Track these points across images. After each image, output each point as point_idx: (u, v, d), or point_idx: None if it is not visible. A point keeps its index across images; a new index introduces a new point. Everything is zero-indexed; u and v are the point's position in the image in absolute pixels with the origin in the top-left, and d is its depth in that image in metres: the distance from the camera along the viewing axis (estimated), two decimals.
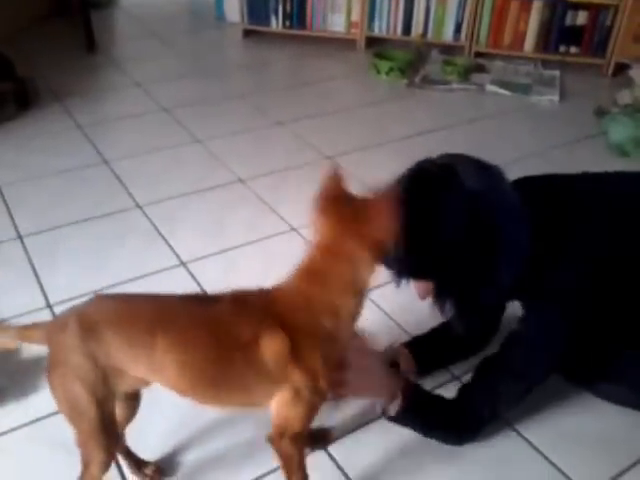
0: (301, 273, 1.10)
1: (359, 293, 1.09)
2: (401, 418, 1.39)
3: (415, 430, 1.43)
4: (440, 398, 1.43)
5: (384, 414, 1.40)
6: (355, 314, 1.11)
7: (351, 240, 1.05)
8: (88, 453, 1.15)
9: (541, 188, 1.41)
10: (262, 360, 1.06)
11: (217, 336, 1.08)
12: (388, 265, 1.26)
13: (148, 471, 1.37)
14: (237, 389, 1.12)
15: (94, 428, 1.12)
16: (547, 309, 1.34)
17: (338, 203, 1.08)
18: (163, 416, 1.51)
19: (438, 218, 1.21)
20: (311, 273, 1.09)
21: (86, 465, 1.16)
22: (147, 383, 1.18)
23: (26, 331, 1.17)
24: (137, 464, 1.37)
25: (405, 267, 1.28)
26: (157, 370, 1.11)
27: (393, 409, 1.36)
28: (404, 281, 1.31)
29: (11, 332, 1.18)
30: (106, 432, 1.14)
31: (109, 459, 1.17)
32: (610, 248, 1.33)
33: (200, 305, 1.14)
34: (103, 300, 1.19)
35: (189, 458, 1.44)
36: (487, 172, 1.28)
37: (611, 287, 1.32)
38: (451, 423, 1.42)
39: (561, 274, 1.32)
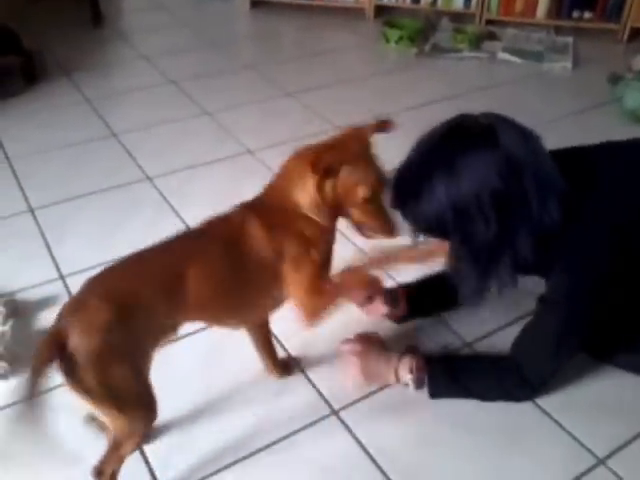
0: (265, 188, 1.31)
1: (308, 196, 1.23)
2: (438, 392, 1.45)
3: (465, 397, 1.46)
4: (475, 358, 1.47)
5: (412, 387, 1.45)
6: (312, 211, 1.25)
7: (305, 160, 1.21)
8: (128, 434, 1.15)
9: (566, 160, 1.34)
10: (257, 250, 1.22)
11: (223, 252, 1.21)
12: (405, 217, 1.27)
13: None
14: (255, 288, 1.26)
15: (140, 406, 1.13)
16: (577, 270, 1.31)
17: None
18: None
19: (465, 173, 1.18)
20: (273, 185, 1.30)
21: (117, 446, 1.16)
22: (176, 330, 1.22)
23: (39, 360, 1.05)
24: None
25: (421, 218, 1.26)
26: (191, 302, 1.17)
27: (413, 385, 1.43)
28: (420, 236, 1.31)
29: (33, 378, 1.04)
30: (152, 406, 1.16)
31: (148, 432, 1.19)
32: (631, 215, 1.30)
33: (198, 235, 1.27)
34: (103, 274, 1.16)
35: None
36: (527, 139, 1.24)
37: (634, 257, 1.29)
38: (499, 382, 1.43)
39: (588, 239, 1.29)
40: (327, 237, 1.31)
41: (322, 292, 1.27)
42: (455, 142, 1.22)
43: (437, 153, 1.24)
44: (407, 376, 1.45)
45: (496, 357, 1.49)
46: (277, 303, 1.34)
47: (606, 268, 1.30)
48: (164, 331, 1.18)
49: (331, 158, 1.19)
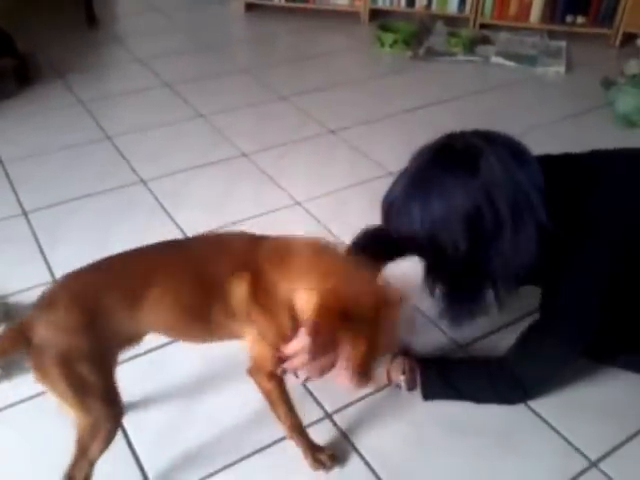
0: (280, 256, 1.16)
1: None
2: (431, 394, 1.45)
3: (458, 399, 1.46)
4: (468, 362, 1.46)
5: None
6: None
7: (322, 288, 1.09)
8: (93, 434, 1.13)
9: (558, 168, 1.34)
10: (230, 299, 1.15)
11: (198, 276, 1.15)
12: (392, 234, 1.25)
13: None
14: (217, 324, 1.19)
15: (105, 405, 1.13)
16: (580, 274, 1.30)
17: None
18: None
19: (440, 199, 1.19)
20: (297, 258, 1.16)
21: (84, 450, 1.14)
22: (141, 337, 1.21)
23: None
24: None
25: (402, 237, 1.28)
26: (152, 317, 1.15)
27: (405, 387, 1.43)
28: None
29: None
30: (117, 406, 1.16)
31: (115, 435, 1.17)
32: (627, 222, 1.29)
33: (181, 249, 1.23)
34: (78, 274, 1.16)
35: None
36: (511, 164, 1.21)
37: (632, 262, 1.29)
38: (494, 384, 1.42)
39: (588, 247, 1.29)
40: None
41: (270, 375, 1.24)
42: (436, 166, 1.23)
43: (419, 175, 1.24)
44: (399, 377, 1.45)
45: (490, 361, 1.49)
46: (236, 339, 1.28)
47: (606, 277, 1.29)
48: (128, 338, 1.18)
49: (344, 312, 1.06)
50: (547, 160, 1.33)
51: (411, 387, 1.46)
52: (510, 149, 1.24)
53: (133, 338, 1.20)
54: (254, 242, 1.21)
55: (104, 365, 1.13)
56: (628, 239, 1.28)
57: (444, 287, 1.33)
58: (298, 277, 1.13)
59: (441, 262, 1.25)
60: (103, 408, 1.13)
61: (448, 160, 1.23)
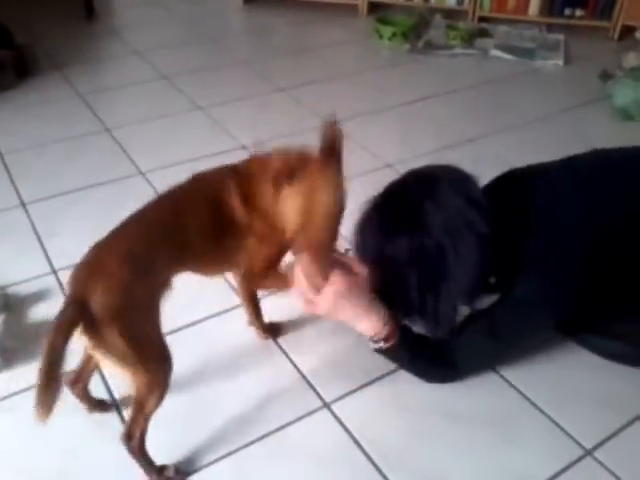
0: (258, 163, 1.34)
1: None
2: (386, 353, 1.46)
3: (399, 364, 1.51)
4: (427, 340, 1.46)
5: (373, 344, 1.45)
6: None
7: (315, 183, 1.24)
8: (151, 390, 1.19)
9: (516, 184, 1.49)
10: (232, 215, 1.30)
11: (206, 206, 1.29)
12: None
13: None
14: (225, 248, 1.34)
15: (161, 359, 1.20)
16: (533, 281, 1.36)
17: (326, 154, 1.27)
18: None
19: (388, 242, 1.35)
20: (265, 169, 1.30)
21: (141, 406, 1.21)
22: (173, 282, 1.28)
23: (63, 320, 1.09)
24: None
25: (366, 260, 1.40)
26: (188, 254, 1.28)
27: (378, 342, 1.43)
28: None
29: (53, 338, 1.06)
30: (170, 357, 1.23)
31: (168, 386, 1.23)
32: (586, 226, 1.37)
33: (182, 190, 1.33)
34: (111, 237, 1.22)
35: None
36: (452, 189, 1.34)
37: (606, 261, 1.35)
38: (435, 366, 1.49)
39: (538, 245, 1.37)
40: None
41: (267, 276, 1.41)
42: (382, 218, 1.39)
43: (367, 232, 1.41)
44: (377, 330, 1.42)
45: (439, 353, 1.48)
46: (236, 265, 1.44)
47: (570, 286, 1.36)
48: (165, 284, 1.25)
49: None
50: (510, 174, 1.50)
51: (376, 342, 1.44)
52: (450, 182, 1.36)
53: (168, 283, 1.26)
54: (236, 167, 1.39)
55: (155, 317, 1.20)
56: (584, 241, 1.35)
57: (401, 312, 1.44)
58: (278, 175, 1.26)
59: (397, 292, 1.39)
60: (158, 362, 1.20)
61: (392, 217, 1.37)
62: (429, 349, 1.47)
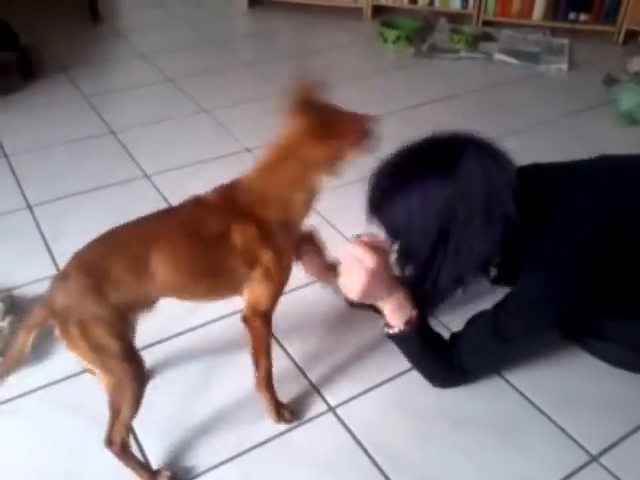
0: (260, 169, 1.28)
1: (308, 193, 1.26)
2: (402, 340, 1.45)
3: (408, 357, 1.49)
4: (440, 337, 1.47)
5: (387, 329, 1.45)
6: (303, 210, 1.28)
7: (312, 147, 1.21)
8: (120, 394, 1.21)
9: (540, 177, 1.46)
10: (235, 247, 1.24)
11: (198, 235, 1.24)
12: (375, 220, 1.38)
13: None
14: (222, 278, 1.29)
15: (124, 364, 1.20)
16: (539, 278, 1.36)
17: (308, 108, 1.23)
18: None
19: (420, 194, 1.29)
20: (269, 169, 1.27)
21: (116, 412, 1.23)
22: (153, 302, 1.26)
23: (30, 321, 1.18)
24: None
25: (383, 225, 1.37)
26: (159, 283, 1.22)
27: (397, 327, 1.41)
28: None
29: (21, 335, 1.19)
30: (137, 365, 1.23)
31: (141, 394, 1.24)
32: (596, 222, 1.36)
33: (176, 214, 1.32)
34: (87, 246, 1.24)
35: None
36: (489, 167, 1.31)
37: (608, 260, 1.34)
38: (443, 365, 1.47)
39: (546, 243, 1.36)
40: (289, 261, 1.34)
41: (268, 322, 1.36)
42: (420, 163, 1.33)
43: (401, 172, 1.35)
44: (403, 310, 1.41)
45: (447, 346, 1.47)
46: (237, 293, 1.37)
47: (573, 281, 1.35)
48: (139, 302, 1.24)
49: (332, 151, 1.24)
50: (526, 168, 1.47)
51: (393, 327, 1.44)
52: (488, 150, 1.34)
53: (144, 303, 1.25)
54: (230, 190, 1.30)
55: (117, 328, 1.20)
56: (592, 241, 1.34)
57: (413, 269, 1.39)
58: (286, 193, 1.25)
59: (413, 248, 1.35)
60: (124, 368, 1.20)
61: (430, 159, 1.33)
62: (441, 346, 1.47)
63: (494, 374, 1.57)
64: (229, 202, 1.27)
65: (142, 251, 1.20)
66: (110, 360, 1.19)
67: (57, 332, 1.18)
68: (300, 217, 1.30)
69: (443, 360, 1.47)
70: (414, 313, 1.41)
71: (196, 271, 1.26)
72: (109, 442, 1.25)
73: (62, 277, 1.20)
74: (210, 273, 1.28)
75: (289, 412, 1.45)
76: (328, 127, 1.22)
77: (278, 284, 1.32)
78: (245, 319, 1.36)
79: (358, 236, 1.40)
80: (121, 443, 1.26)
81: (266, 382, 1.41)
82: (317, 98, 1.24)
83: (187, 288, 1.29)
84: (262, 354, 1.38)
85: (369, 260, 1.32)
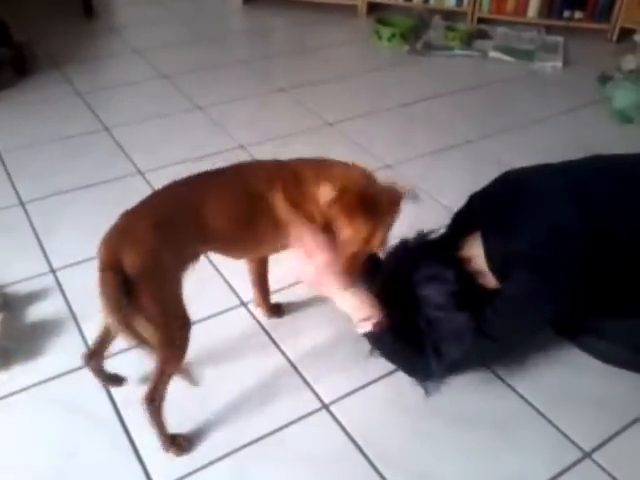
0: (310, 174, 1.36)
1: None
2: (374, 339, 1.47)
3: (384, 355, 1.50)
4: (417, 335, 1.46)
5: (361, 329, 1.46)
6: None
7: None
8: (171, 349, 1.27)
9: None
10: (273, 207, 1.34)
11: (244, 192, 1.34)
12: None
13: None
14: (263, 232, 1.38)
15: (181, 317, 1.27)
16: (524, 280, 1.38)
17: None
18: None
19: None
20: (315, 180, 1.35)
21: (164, 368, 1.28)
22: (200, 255, 1.36)
23: (109, 291, 1.16)
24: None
25: None
26: (212, 231, 1.31)
27: (367, 326, 1.43)
28: None
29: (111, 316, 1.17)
30: (188, 319, 1.30)
31: (188, 344, 1.31)
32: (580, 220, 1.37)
33: (222, 174, 1.39)
34: (143, 205, 1.29)
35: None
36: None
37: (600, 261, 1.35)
38: (419, 359, 1.45)
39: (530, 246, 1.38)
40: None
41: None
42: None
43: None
44: (358, 316, 1.45)
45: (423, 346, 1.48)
46: (278, 248, 1.47)
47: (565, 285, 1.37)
48: (191, 256, 1.32)
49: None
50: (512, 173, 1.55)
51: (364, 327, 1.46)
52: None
53: (196, 255, 1.34)
54: (280, 164, 1.42)
55: (180, 284, 1.27)
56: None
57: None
58: (323, 179, 1.33)
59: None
60: (181, 323, 1.27)
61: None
62: (418, 342, 1.46)
63: (488, 372, 1.57)
64: (273, 168, 1.40)
65: (198, 205, 1.28)
66: (174, 316, 1.25)
67: (127, 292, 1.16)
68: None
69: (420, 356, 1.45)
70: (382, 315, 1.42)
71: (243, 225, 1.35)
72: (151, 399, 1.29)
73: (122, 232, 1.22)
74: (258, 228, 1.36)
75: None
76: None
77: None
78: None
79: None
80: (159, 401, 1.31)
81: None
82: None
83: (234, 242, 1.39)
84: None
85: (319, 257, 1.37)
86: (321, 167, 1.39)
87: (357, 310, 1.44)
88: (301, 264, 1.42)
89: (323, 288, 1.45)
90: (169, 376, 1.30)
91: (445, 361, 1.43)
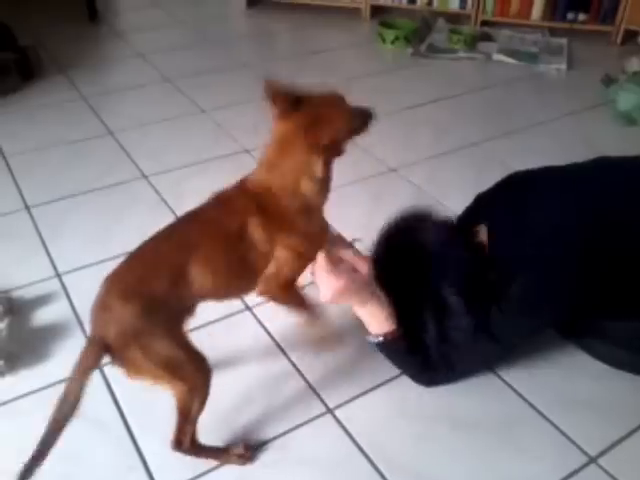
0: (262, 166, 1.29)
1: (312, 179, 1.25)
2: (383, 348, 1.49)
3: (391, 361, 1.52)
4: (421, 342, 1.48)
5: (369, 338, 1.49)
6: (316, 195, 1.28)
7: (300, 139, 1.25)
8: (192, 397, 1.24)
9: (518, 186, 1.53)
10: (255, 239, 1.25)
11: (223, 237, 1.25)
12: None
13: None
14: (250, 270, 1.29)
15: (192, 368, 1.23)
16: (529, 282, 1.38)
17: (288, 105, 1.30)
18: None
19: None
20: (270, 165, 1.28)
21: (186, 414, 1.26)
22: (194, 308, 1.30)
23: (84, 364, 1.16)
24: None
25: None
26: (198, 289, 1.22)
27: (376, 337, 1.47)
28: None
29: (75, 381, 1.16)
30: (204, 363, 1.26)
31: (210, 389, 1.27)
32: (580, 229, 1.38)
33: (197, 219, 1.30)
34: (117, 272, 1.22)
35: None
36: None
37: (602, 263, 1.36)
38: (427, 367, 1.49)
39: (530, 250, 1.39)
40: (317, 236, 1.35)
41: (290, 289, 1.35)
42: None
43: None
44: (373, 327, 1.48)
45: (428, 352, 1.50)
46: None
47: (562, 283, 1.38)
48: (185, 310, 1.27)
49: (326, 134, 1.26)
50: (504, 182, 1.56)
51: (374, 339, 1.49)
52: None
53: (189, 309, 1.29)
54: (242, 184, 1.31)
55: (176, 337, 1.23)
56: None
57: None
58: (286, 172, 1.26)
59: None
60: (193, 371, 1.23)
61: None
62: (422, 349, 1.48)
63: (492, 375, 1.57)
64: (242, 199, 1.29)
65: (178, 263, 1.21)
66: (179, 369, 1.21)
67: (116, 365, 1.18)
68: (316, 201, 1.30)
69: (425, 362, 1.49)
70: (393, 327, 1.45)
71: (229, 270, 1.28)
72: (178, 444, 1.29)
73: (103, 308, 1.18)
74: (243, 268, 1.29)
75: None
76: (315, 116, 1.28)
77: (298, 256, 1.31)
78: (262, 292, 1.34)
79: (354, 240, 1.46)
80: (191, 440, 1.30)
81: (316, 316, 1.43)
82: (292, 92, 1.31)
83: (223, 287, 1.32)
84: (303, 311, 1.40)
85: (334, 282, 1.37)
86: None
87: (373, 323, 1.47)
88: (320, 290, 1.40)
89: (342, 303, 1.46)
90: (194, 418, 1.28)
91: (457, 369, 1.46)
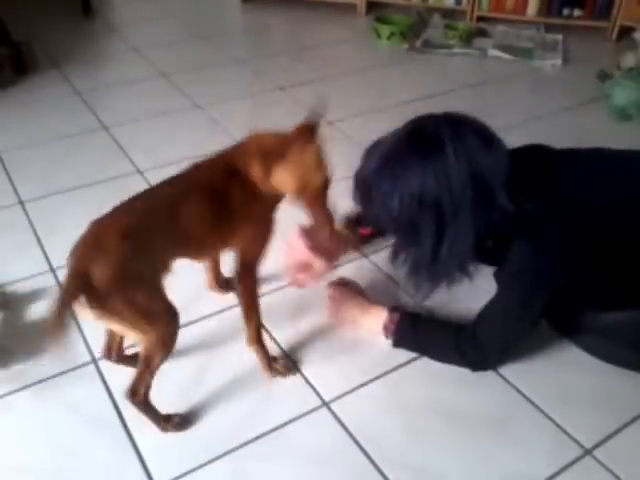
0: (252, 151, 1.42)
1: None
2: (404, 342, 1.57)
3: (421, 352, 1.57)
4: (441, 321, 1.57)
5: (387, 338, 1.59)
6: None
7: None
8: (158, 347, 1.27)
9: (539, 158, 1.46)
10: (233, 203, 1.36)
11: (207, 196, 1.34)
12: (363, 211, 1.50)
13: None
14: (226, 231, 1.38)
15: (166, 319, 1.27)
16: (528, 252, 1.37)
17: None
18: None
19: (407, 178, 1.29)
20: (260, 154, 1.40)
21: (148, 363, 1.29)
22: (173, 262, 1.33)
23: (66, 296, 1.16)
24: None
25: (373, 215, 1.44)
26: (183, 237, 1.32)
27: (386, 329, 1.57)
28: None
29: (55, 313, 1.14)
30: (175, 316, 1.29)
31: (175, 339, 1.31)
32: (592, 215, 1.36)
33: (186, 181, 1.40)
34: (112, 215, 1.29)
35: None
36: (479, 145, 1.31)
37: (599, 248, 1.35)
38: (459, 346, 1.50)
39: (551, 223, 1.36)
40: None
41: (253, 273, 1.46)
42: (406, 149, 1.33)
43: (390, 156, 1.35)
44: (379, 326, 1.58)
45: (456, 324, 1.55)
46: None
47: (564, 251, 1.36)
48: (167, 261, 1.31)
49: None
50: (523, 150, 1.47)
51: (388, 335, 1.58)
52: (477, 134, 1.34)
53: (169, 262, 1.32)
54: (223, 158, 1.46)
55: (158, 286, 1.27)
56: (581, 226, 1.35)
57: (406, 257, 1.43)
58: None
59: (410, 239, 1.37)
60: (165, 321, 1.27)
61: (417, 144, 1.33)
62: (444, 332, 1.53)
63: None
64: (221, 166, 1.41)
65: (169, 210, 1.29)
66: (154, 318, 1.25)
67: (88, 303, 1.16)
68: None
69: (456, 341, 1.50)
70: (394, 320, 1.55)
71: (214, 228, 1.35)
72: (133, 393, 1.31)
73: (94, 245, 1.20)
74: (219, 228, 1.37)
75: (282, 366, 1.54)
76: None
77: (265, 234, 1.44)
78: (238, 275, 1.45)
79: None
80: (145, 393, 1.33)
81: (257, 337, 1.52)
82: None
83: (204, 247, 1.42)
84: (252, 308, 1.49)
85: (333, 292, 1.63)
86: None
87: (377, 323, 1.59)
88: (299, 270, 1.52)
89: (345, 316, 1.64)
90: (154, 369, 1.31)
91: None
